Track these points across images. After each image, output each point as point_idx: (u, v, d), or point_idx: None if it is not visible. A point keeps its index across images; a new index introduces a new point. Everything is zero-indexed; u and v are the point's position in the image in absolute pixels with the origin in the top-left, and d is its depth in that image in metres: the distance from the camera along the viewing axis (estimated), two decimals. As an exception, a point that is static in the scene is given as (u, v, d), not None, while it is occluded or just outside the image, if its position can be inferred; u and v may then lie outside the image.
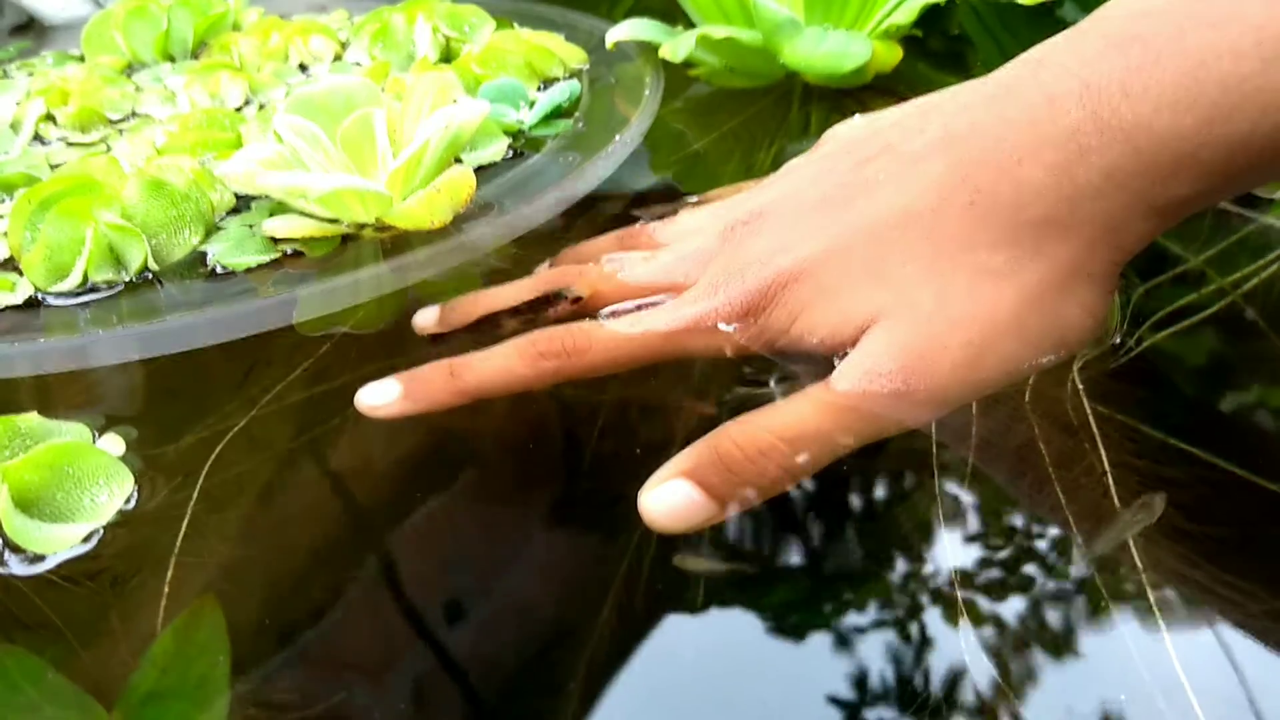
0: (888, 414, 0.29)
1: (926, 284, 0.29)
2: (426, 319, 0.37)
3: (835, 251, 0.31)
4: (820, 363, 0.31)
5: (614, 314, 0.34)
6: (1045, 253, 0.29)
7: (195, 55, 0.71)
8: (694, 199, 0.43)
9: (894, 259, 0.30)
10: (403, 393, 0.32)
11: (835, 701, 0.24)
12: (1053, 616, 0.26)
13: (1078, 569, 0.27)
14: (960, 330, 0.29)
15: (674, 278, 0.35)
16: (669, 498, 0.27)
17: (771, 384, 0.32)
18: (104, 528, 0.30)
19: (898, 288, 0.30)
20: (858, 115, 0.36)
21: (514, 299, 0.36)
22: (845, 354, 0.30)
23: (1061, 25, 0.30)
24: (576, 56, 0.63)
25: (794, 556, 0.29)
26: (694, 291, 0.33)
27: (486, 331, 0.36)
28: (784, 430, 0.28)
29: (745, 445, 0.28)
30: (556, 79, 0.60)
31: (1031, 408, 0.31)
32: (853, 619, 0.27)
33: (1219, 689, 0.24)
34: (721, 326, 0.32)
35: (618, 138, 0.50)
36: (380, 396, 0.32)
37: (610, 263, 0.37)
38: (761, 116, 0.57)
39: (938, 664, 0.25)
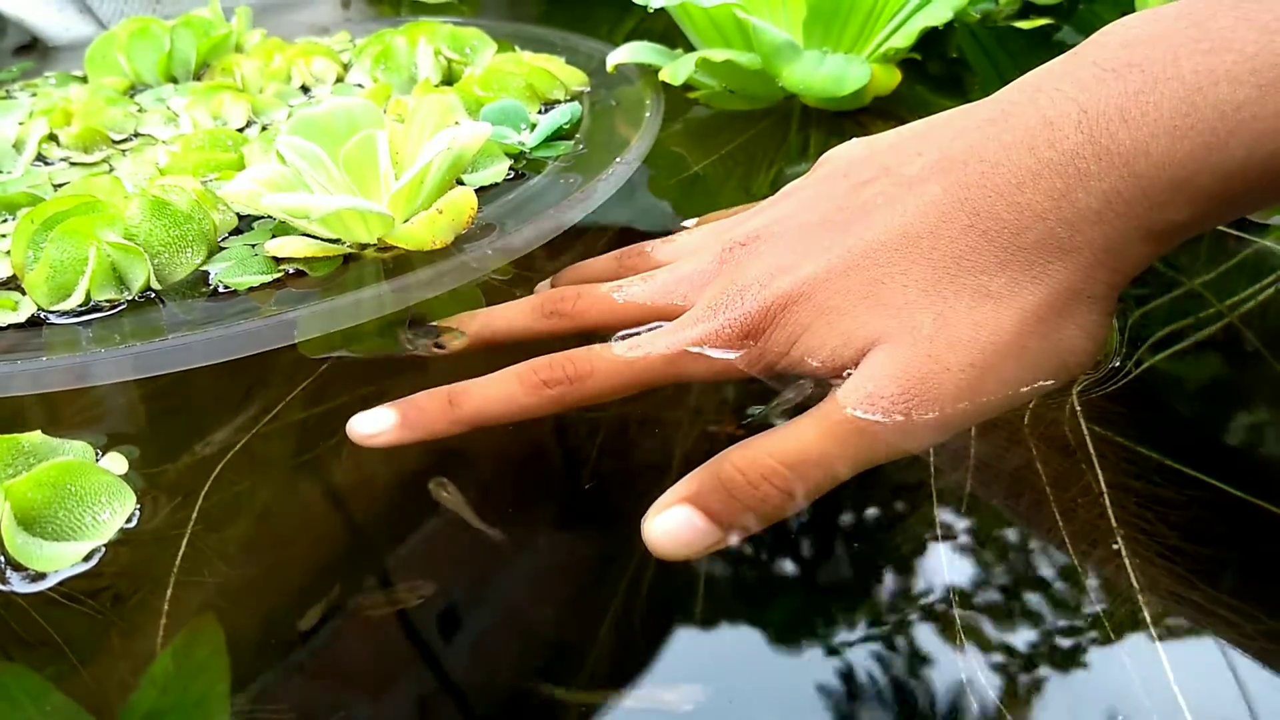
0: (890, 438, 0.29)
1: (927, 307, 0.29)
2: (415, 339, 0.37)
3: (835, 273, 0.31)
4: (821, 386, 0.31)
5: (622, 338, 0.34)
6: (1045, 276, 0.29)
7: (198, 76, 0.72)
8: (693, 222, 0.43)
9: (894, 281, 0.30)
10: (398, 421, 0.31)
11: (835, 721, 0.25)
12: (1050, 637, 0.26)
13: (1074, 589, 0.27)
14: (961, 353, 0.29)
15: (671, 299, 0.35)
16: (671, 524, 0.27)
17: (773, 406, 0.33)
18: (105, 546, 0.30)
19: (898, 310, 0.30)
20: (855, 138, 0.36)
21: (511, 319, 0.36)
22: (846, 376, 0.30)
23: (1059, 49, 0.31)
24: (577, 79, 0.63)
25: (793, 577, 0.29)
26: (692, 314, 0.33)
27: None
28: (786, 454, 0.28)
29: (747, 470, 0.28)
30: (557, 101, 0.60)
31: (1030, 430, 0.31)
32: (852, 638, 0.27)
33: (1216, 710, 0.24)
34: (721, 349, 0.32)
35: (618, 160, 0.50)
36: (374, 425, 0.31)
37: (607, 283, 0.37)
38: (761, 139, 0.57)
39: (936, 685, 0.25)
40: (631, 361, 0.32)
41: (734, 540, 0.28)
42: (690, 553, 0.27)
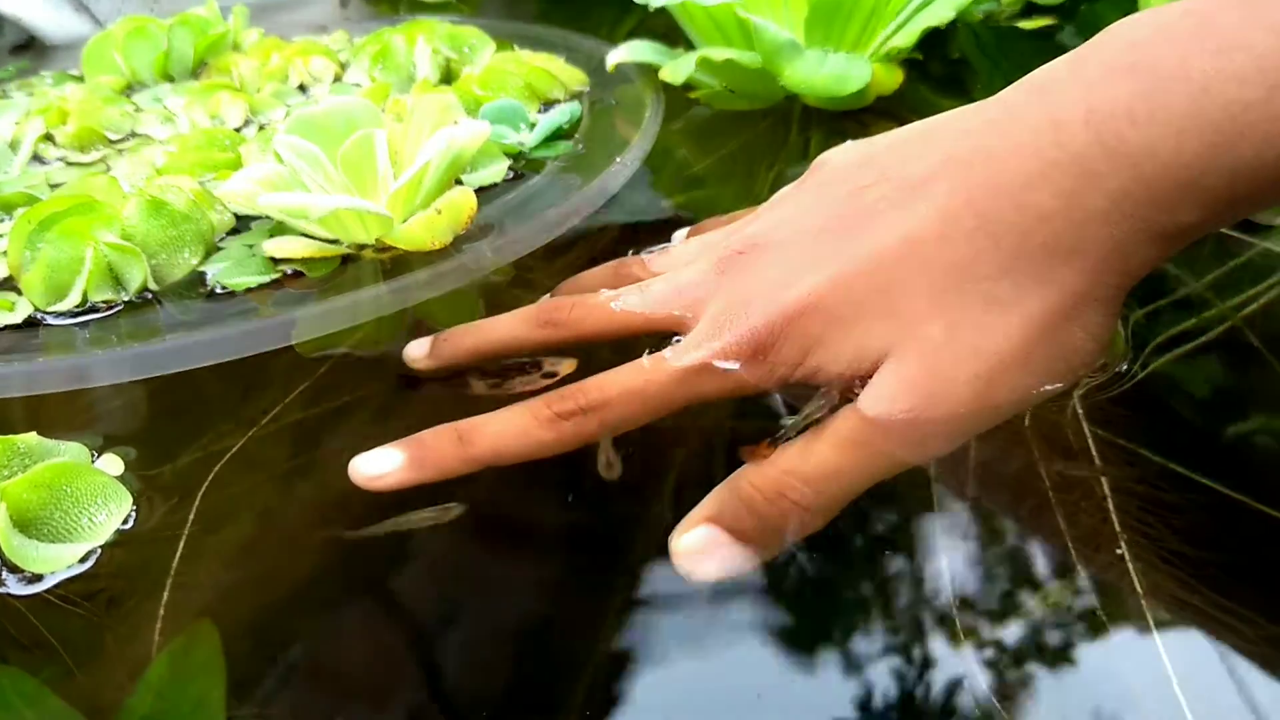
0: (903, 451, 0.29)
1: (934, 317, 0.29)
2: (418, 351, 0.36)
3: (841, 282, 0.30)
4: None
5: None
6: (1052, 279, 0.29)
7: (195, 76, 0.72)
8: (683, 233, 0.42)
9: (900, 289, 0.30)
10: (407, 461, 0.30)
11: (838, 727, 0.24)
12: (1053, 641, 0.26)
13: (1077, 593, 0.27)
14: (969, 364, 0.29)
15: (669, 308, 0.34)
16: (698, 545, 0.27)
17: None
18: (101, 548, 0.30)
19: (906, 321, 0.29)
20: (848, 141, 0.36)
21: (508, 329, 0.36)
22: (861, 386, 0.30)
23: (1062, 49, 0.30)
24: (577, 78, 0.63)
25: (795, 579, 0.29)
26: (698, 333, 0.32)
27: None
28: (802, 471, 0.28)
29: (765, 487, 0.28)
30: (557, 101, 0.60)
31: (1032, 432, 0.31)
32: (853, 642, 0.26)
33: (1219, 714, 0.24)
34: (731, 366, 0.31)
35: (618, 160, 0.50)
36: (380, 465, 0.30)
37: (604, 293, 0.36)
38: (761, 139, 0.57)
39: (938, 688, 0.25)
40: (641, 389, 0.31)
41: (762, 559, 0.28)
42: (720, 572, 0.27)
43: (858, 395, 0.30)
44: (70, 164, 0.57)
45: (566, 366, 0.35)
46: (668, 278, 0.35)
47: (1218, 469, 0.30)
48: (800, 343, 0.31)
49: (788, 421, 0.31)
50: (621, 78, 0.63)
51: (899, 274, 0.30)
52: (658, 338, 0.34)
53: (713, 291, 0.33)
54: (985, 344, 0.29)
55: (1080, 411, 0.32)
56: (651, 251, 0.40)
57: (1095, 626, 0.26)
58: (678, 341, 0.33)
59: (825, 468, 0.28)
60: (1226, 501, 0.29)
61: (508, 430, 0.31)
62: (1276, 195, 0.27)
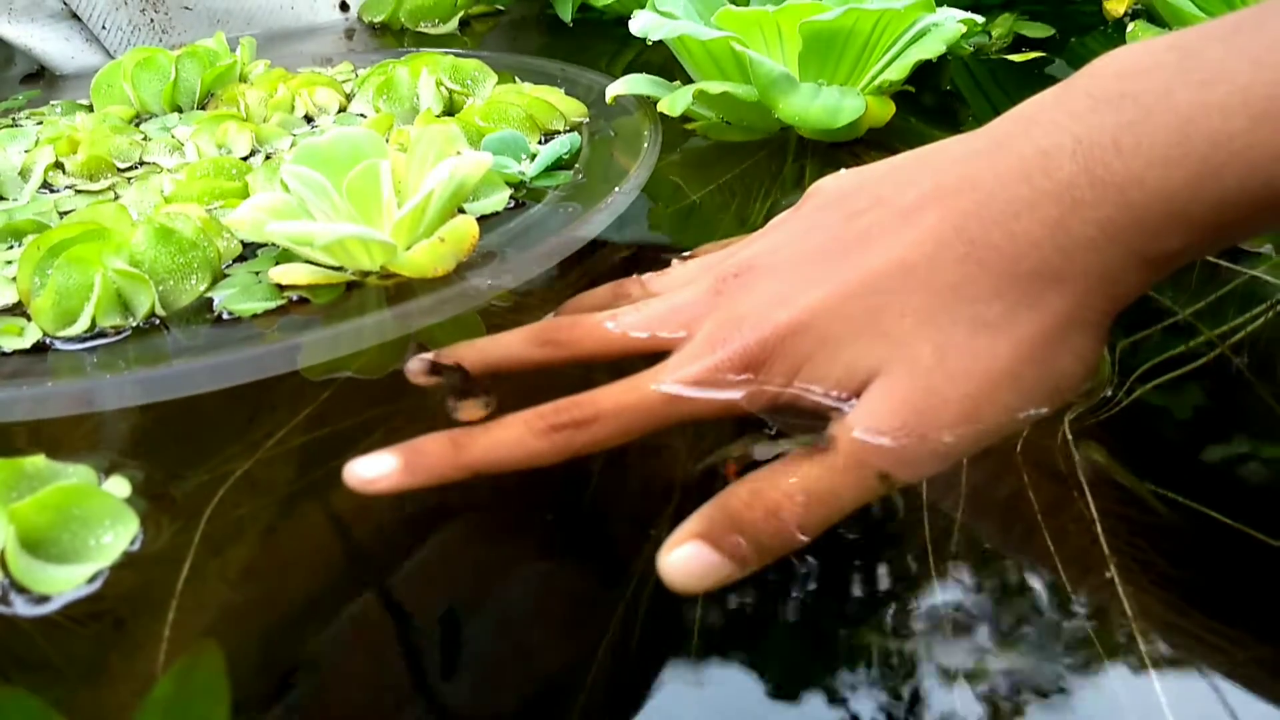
0: (891, 469, 0.29)
1: (924, 338, 0.30)
2: (419, 367, 0.37)
3: (833, 303, 0.31)
4: (824, 418, 0.31)
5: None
6: (1040, 304, 0.29)
7: (202, 106, 0.72)
8: (685, 254, 0.43)
9: (891, 311, 0.30)
10: (401, 466, 0.31)
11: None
12: (1042, 664, 0.26)
13: (1067, 616, 0.27)
14: (958, 385, 0.29)
15: (665, 328, 0.35)
16: (685, 560, 0.27)
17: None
18: (109, 569, 0.30)
19: (896, 341, 0.30)
20: (844, 169, 0.36)
21: (507, 348, 0.36)
22: (848, 407, 0.30)
23: (1050, 82, 0.31)
24: (577, 110, 0.64)
25: (784, 604, 0.29)
26: (690, 350, 0.33)
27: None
28: (791, 489, 0.29)
29: (754, 504, 0.28)
30: (557, 132, 0.61)
31: (1022, 457, 0.31)
32: (844, 665, 0.27)
33: (1209, 735, 0.24)
34: (722, 385, 0.32)
35: (616, 189, 0.50)
36: (374, 470, 0.31)
37: (602, 312, 0.37)
38: (757, 169, 0.58)
39: (925, 709, 0.25)
40: (633, 404, 0.32)
41: (747, 572, 0.28)
42: (704, 586, 0.27)
43: (847, 414, 0.30)
44: (79, 192, 0.57)
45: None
46: (665, 298, 0.36)
47: (1207, 493, 0.30)
48: (791, 361, 0.31)
49: (779, 441, 0.31)
50: (620, 109, 0.64)
51: (890, 296, 0.30)
52: (655, 357, 0.34)
53: (708, 311, 0.34)
54: (975, 365, 0.29)
55: (1070, 436, 0.32)
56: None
57: (1085, 649, 0.26)
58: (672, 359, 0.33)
59: (814, 487, 0.29)
60: (1216, 525, 0.29)
61: (502, 439, 0.31)
62: (1262, 223, 0.28)
